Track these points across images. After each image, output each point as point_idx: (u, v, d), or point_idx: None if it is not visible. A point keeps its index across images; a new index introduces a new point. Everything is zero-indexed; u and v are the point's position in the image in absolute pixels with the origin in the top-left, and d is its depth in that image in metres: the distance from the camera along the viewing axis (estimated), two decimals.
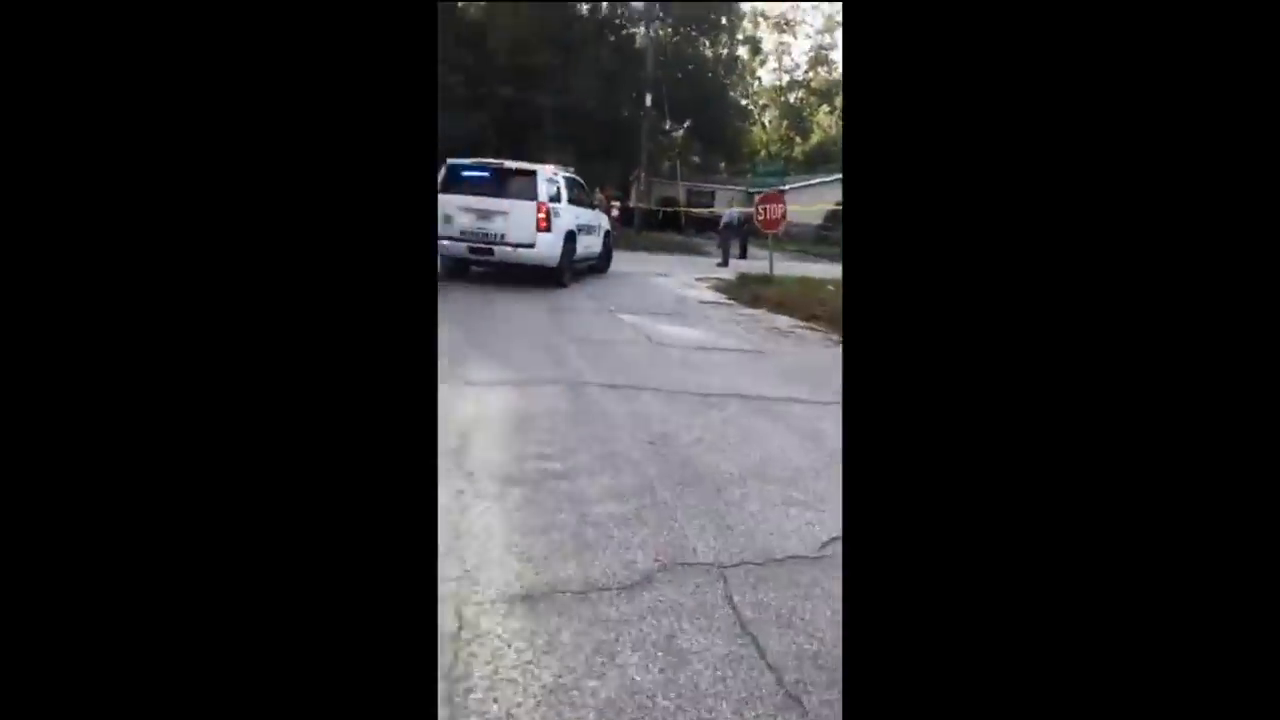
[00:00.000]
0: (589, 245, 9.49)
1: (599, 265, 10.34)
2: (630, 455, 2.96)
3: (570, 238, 8.40)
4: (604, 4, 22.38)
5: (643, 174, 21.89)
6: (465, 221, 7.79)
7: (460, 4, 20.60)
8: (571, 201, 8.70)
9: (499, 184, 7.99)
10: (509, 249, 7.74)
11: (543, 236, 7.76)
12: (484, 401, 3.56)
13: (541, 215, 7.72)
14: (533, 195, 7.75)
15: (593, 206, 10.28)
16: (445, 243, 7.75)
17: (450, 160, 8.11)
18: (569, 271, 8.57)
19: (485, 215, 7.80)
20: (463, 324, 5.65)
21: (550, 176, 8.25)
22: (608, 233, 10.69)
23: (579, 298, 7.83)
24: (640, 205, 21.67)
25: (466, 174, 8.05)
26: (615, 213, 17.42)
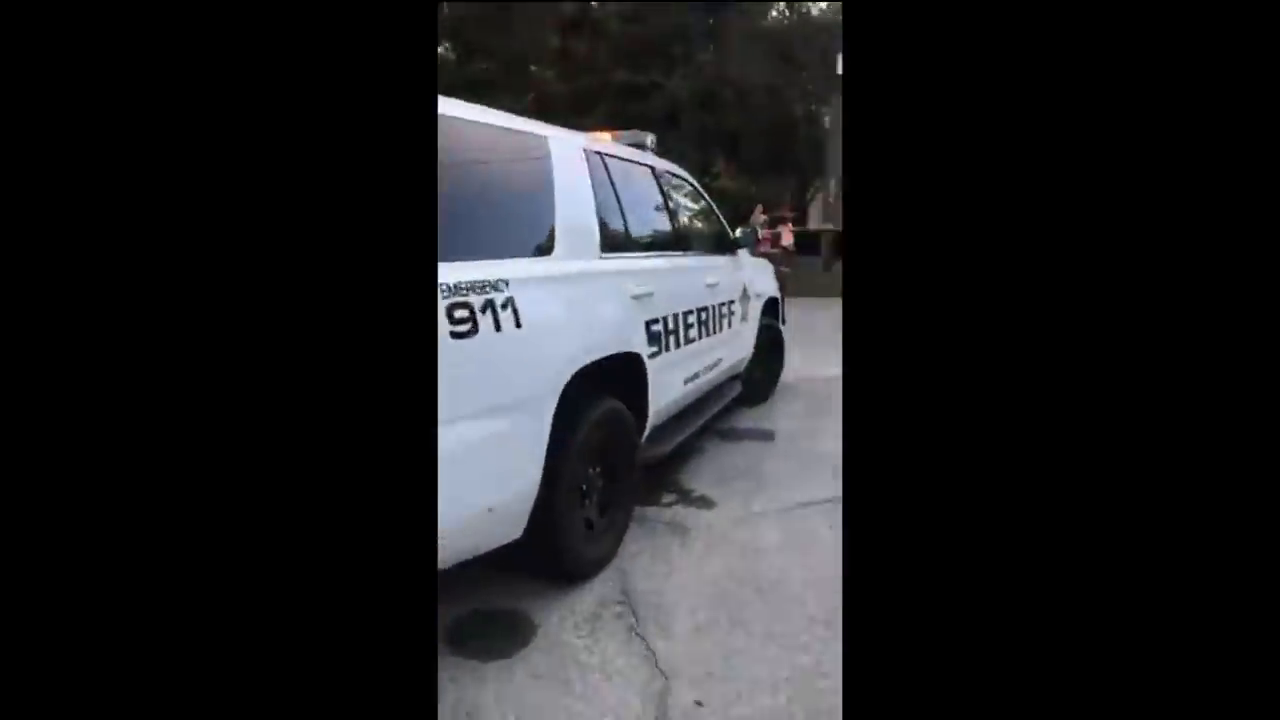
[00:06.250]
0: (716, 361, 3.27)
1: (752, 391, 4.16)
2: None
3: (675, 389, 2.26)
4: None
5: (833, 184, 14.97)
6: None
7: None
8: (639, 244, 2.58)
9: None
10: None
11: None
12: None
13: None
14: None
15: (732, 248, 3.79)
16: None
17: None
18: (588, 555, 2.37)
19: None
20: None
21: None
22: (772, 303, 4.41)
23: None
24: (828, 228, 14.61)
25: None
26: (789, 240, 11.07)
